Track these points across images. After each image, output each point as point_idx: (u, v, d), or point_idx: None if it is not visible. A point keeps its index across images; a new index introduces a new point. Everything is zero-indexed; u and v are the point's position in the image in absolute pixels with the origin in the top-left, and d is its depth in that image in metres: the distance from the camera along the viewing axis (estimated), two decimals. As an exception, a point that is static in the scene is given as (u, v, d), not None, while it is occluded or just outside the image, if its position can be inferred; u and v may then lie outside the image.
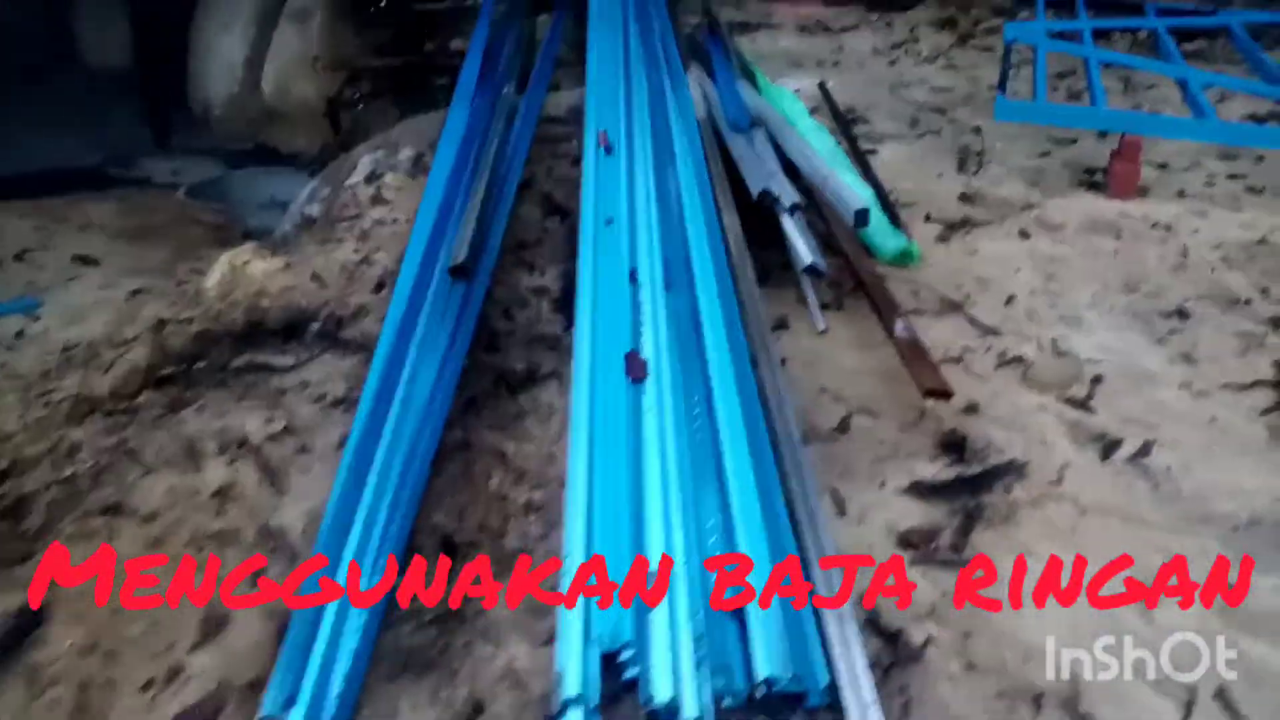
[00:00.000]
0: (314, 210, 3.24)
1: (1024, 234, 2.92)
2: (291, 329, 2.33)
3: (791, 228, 2.42)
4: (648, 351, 1.97)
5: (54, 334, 3.70)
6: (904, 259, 2.71)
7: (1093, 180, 3.28)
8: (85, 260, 4.49)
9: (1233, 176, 3.40)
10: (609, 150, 2.88)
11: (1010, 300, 2.53)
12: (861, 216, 2.41)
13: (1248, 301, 2.52)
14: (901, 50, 5.24)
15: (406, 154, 3.32)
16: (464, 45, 4.41)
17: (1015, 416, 2.04)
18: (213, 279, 2.62)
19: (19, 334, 3.69)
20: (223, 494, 1.66)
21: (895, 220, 2.89)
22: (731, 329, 2.08)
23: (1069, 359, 2.26)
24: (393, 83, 5.18)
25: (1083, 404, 2.09)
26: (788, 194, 2.57)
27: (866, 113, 4.08)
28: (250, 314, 2.39)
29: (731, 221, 2.56)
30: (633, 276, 2.24)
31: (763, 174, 2.68)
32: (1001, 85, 3.54)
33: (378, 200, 2.99)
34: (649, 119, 3.13)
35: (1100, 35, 4.81)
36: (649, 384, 1.86)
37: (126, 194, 5.40)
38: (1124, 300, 2.54)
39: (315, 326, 2.33)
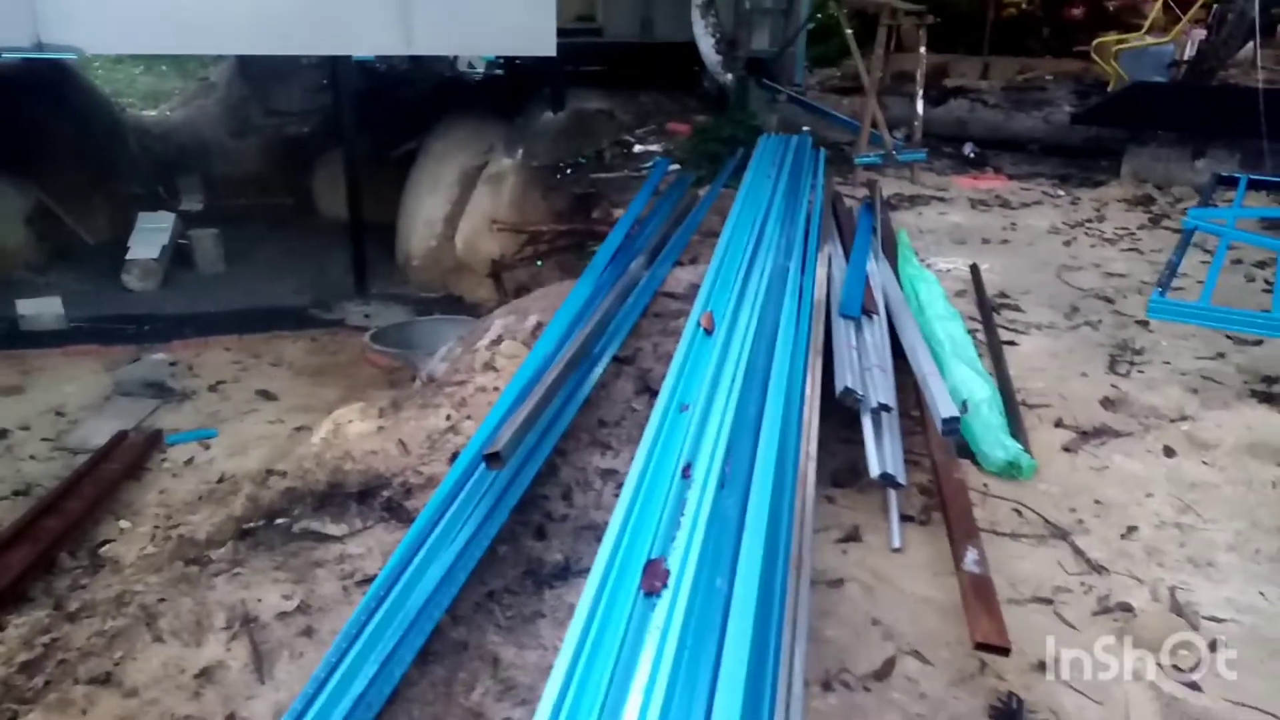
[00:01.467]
0: (440, 370, 3.39)
1: (1169, 451, 2.58)
2: (365, 494, 2.40)
3: (869, 430, 2.25)
4: (676, 559, 1.86)
5: (217, 463, 4.07)
6: (1012, 471, 2.45)
7: (1269, 392, 2.88)
8: (266, 395, 4.95)
9: None
10: (709, 331, 2.85)
11: (1130, 532, 2.21)
12: (950, 424, 2.21)
13: None
14: (1081, 229, 4.94)
15: (531, 321, 3.43)
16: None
17: (1098, 683, 1.74)
18: (318, 435, 2.77)
19: (189, 461, 4.09)
20: (206, 675, 1.68)
21: (1014, 426, 2.64)
22: (773, 540, 1.93)
23: (1186, 615, 1.92)
24: (560, 247, 5.46)
25: (1188, 675, 1.75)
26: (877, 393, 2.42)
27: (1021, 298, 3.83)
28: (334, 475, 2.49)
29: (811, 417, 2.43)
30: (686, 471, 2.15)
31: (854, 368, 2.54)
32: (1168, 279, 3.23)
33: (489, 367, 3.09)
34: (762, 300, 3.09)
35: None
36: (663, 599, 1.74)
37: (319, 334, 5.94)
38: (1275, 545, 2.15)
39: (386, 494, 2.39)
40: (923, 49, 6.11)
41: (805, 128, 6.45)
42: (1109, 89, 6.76)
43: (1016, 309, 3.70)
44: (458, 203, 6.81)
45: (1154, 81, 6.36)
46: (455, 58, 9.09)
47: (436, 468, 2.50)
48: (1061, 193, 5.76)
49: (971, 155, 6.62)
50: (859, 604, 1.97)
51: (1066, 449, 2.61)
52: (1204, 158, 5.51)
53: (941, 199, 5.59)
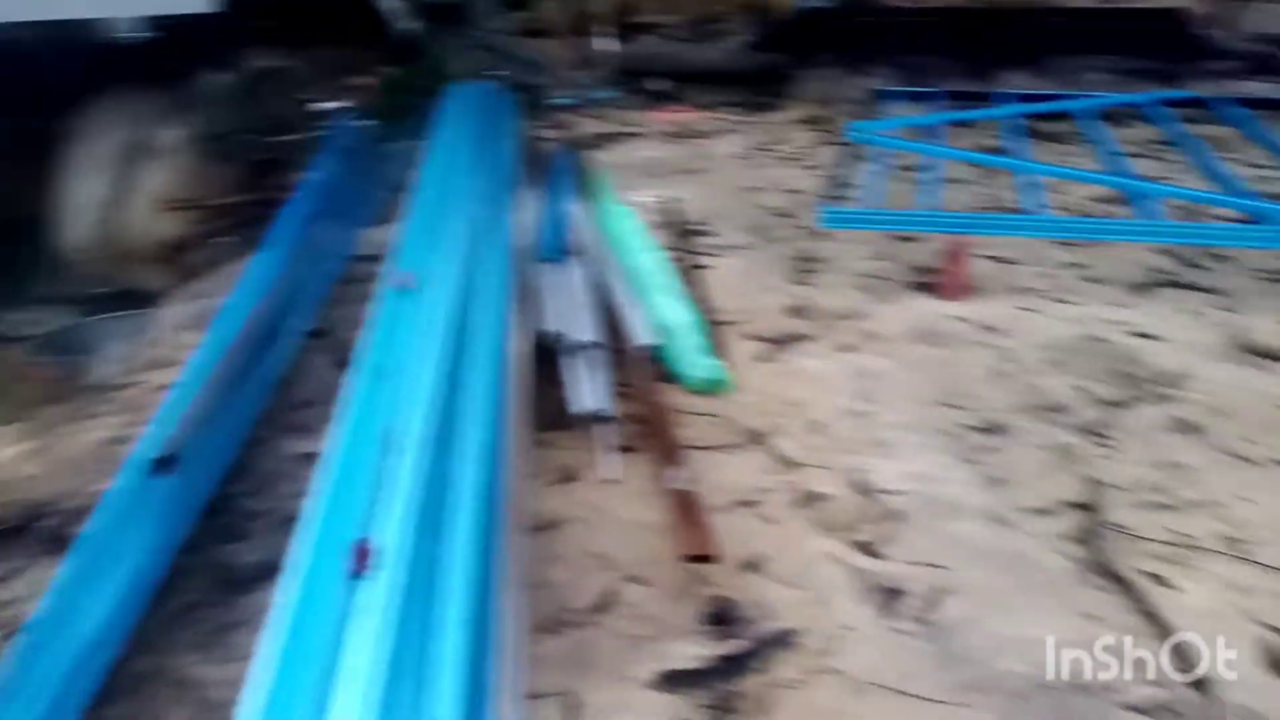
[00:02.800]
0: (110, 373, 3.03)
1: (847, 348, 2.80)
2: (21, 528, 2.09)
3: (568, 370, 2.26)
4: (388, 535, 1.77)
5: None
6: (713, 387, 2.56)
7: (926, 283, 3.20)
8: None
9: (1072, 265, 3.35)
10: (406, 290, 2.73)
11: (818, 426, 2.38)
12: (649, 351, 2.26)
13: (1064, 408, 2.40)
14: (766, 153, 5.24)
15: (210, 305, 3.14)
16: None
17: (799, 571, 1.87)
18: (-36, 468, 2.38)
19: None
20: None
21: (712, 344, 2.75)
22: (487, 497, 1.89)
23: (869, 493, 2.10)
24: (242, 220, 5.02)
25: (875, 549, 1.92)
26: (579, 332, 2.43)
27: (715, 223, 4.00)
28: (-16, 511, 2.15)
29: (523, 366, 2.40)
30: (386, 440, 2.06)
31: (558, 311, 2.54)
32: (836, 190, 3.48)
33: (166, 362, 2.80)
34: (462, 252, 3.00)
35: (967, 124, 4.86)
36: (373, 579, 1.66)
37: (-32, 351, 5.15)
38: (939, 417, 2.40)
39: (48, 524, 2.10)
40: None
41: (499, 73, 6.33)
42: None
43: (710, 234, 3.86)
44: (120, 183, 6.09)
45: (820, 7, 6.85)
46: (104, 22, 8.05)
47: (108, 484, 2.22)
48: (747, 119, 6.06)
49: (663, 89, 6.80)
50: (579, 541, 1.98)
51: (759, 359, 2.76)
52: (865, 75, 5.99)
53: (637, 135, 5.71)
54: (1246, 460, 2.15)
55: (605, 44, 6.28)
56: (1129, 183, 3.41)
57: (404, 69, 6.12)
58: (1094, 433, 2.29)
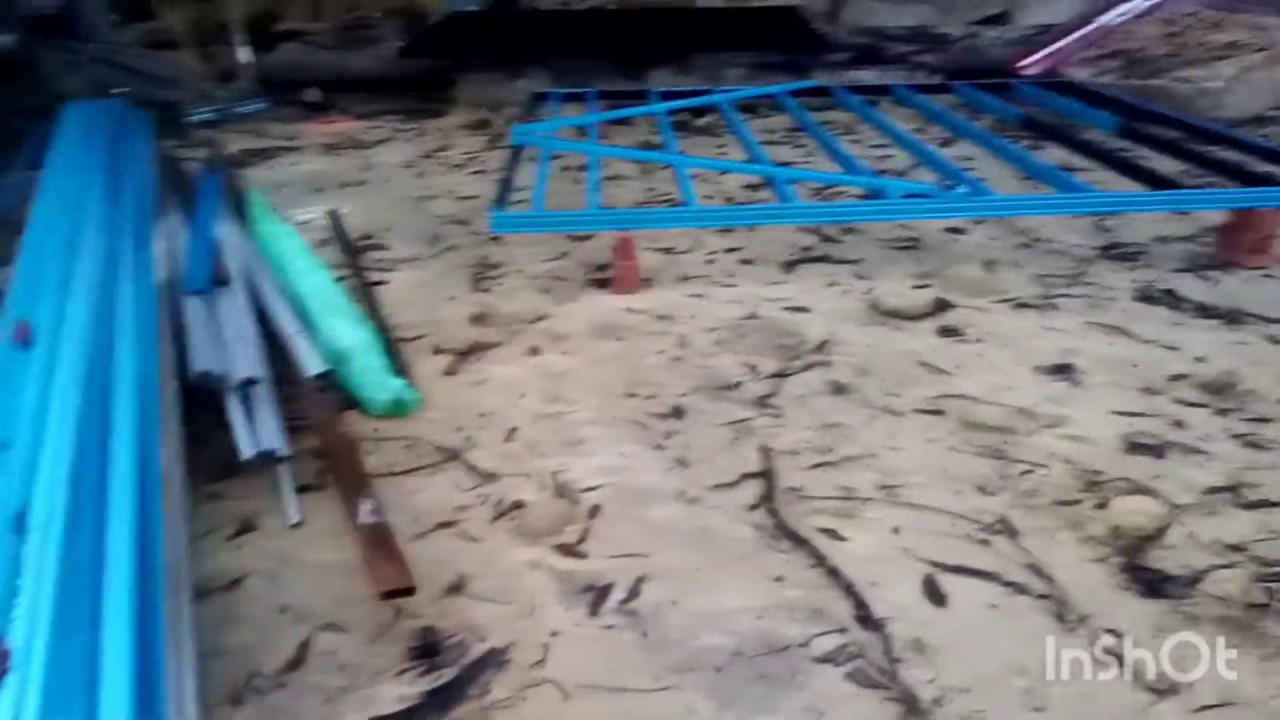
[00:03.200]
0: None
1: (534, 351, 2.81)
2: None
3: (233, 412, 2.06)
4: (20, 633, 1.51)
5: None
6: (401, 408, 2.45)
7: (601, 279, 3.29)
8: None
9: (730, 250, 3.59)
10: (26, 344, 2.37)
11: (512, 434, 2.37)
12: (320, 380, 2.12)
13: (737, 385, 2.57)
14: (433, 160, 5.14)
15: None
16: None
17: (504, 585, 1.83)
18: None
19: None
20: None
21: (394, 363, 2.64)
22: (143, 568, 1.67)
23: (567, 494, 2.12)
24: None
25: (576, 549, 1.93)
26: (241, 369, 2.22)
27: (387, 236, 3.86)
28: None
29: (173, 418, 2.15)
30: (19, 523, 1.76)
31: (211, 347, 2.31)
32: (503, 194, 3.47)
33: None
34: (95, 293, 2.64)
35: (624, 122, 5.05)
36: (4, 686, 1.40)
37: None
38: (626, 408, 2.47)
39: None
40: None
41: (125, 90, 5.68)
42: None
43: (382, 247, 3.72)
44: None
45: (468, 10, 6.82)
46: None
47: None
48: (410, 126, 5.92)
49: (316, 100, 6.47)
50: (264, 596, 1.82)
51: (448, 372, 2.70)
52: (523, 78, 6.06)
53: (293, 149, 5.39)
54: (892, 413, 2.41)
55: (245, 54, 5.85)
56: (769, 169, 3.72)
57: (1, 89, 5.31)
58: (764, 404, 2.46)
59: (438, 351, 2.81)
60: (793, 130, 5.33)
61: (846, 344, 2.79)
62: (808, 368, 2.66)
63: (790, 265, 3.43)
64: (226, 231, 3.26)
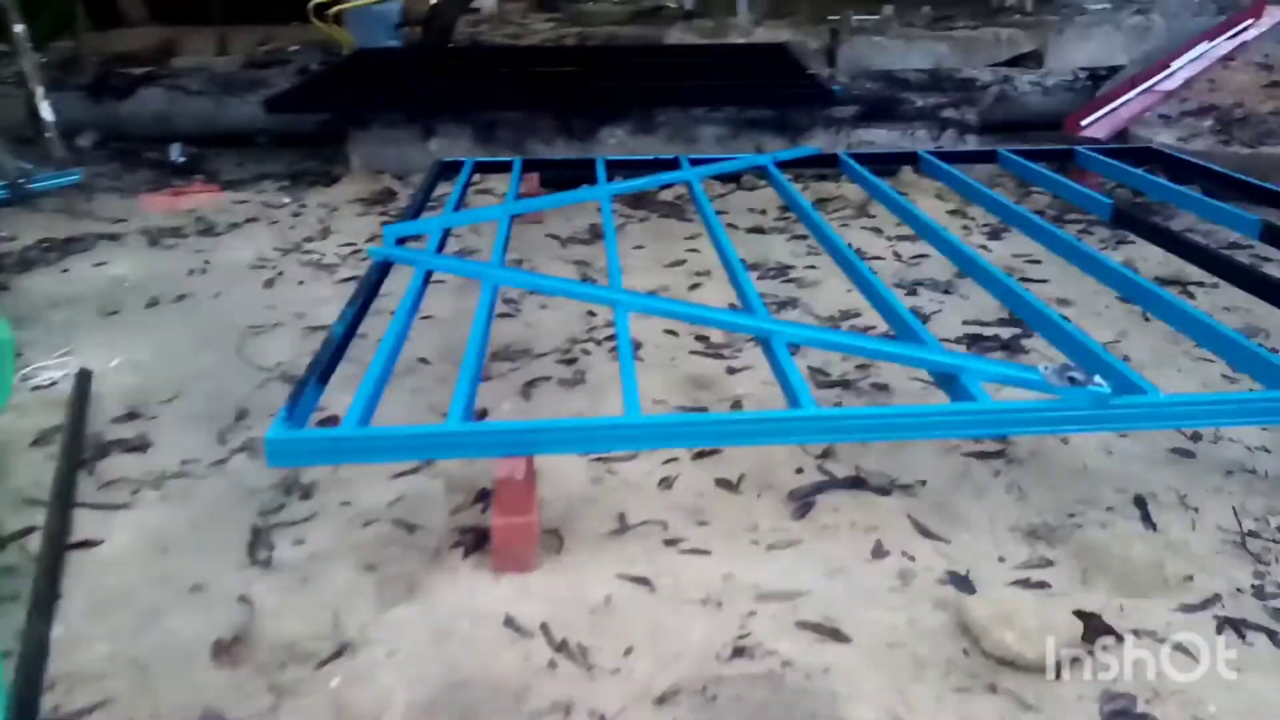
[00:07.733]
0: None
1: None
2: None
3: None
4: None
5: None
6: None
7: (479, 527, 1.89)
8: None
9: (699, 457, 2.21)
10: None
11: None
12: None
13: None
14: (296, 255, 3.74)
15: None
16: None
17: None
18: None
19: None
20: None
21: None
22: None
23: None
24: None
25: None
26: None
27: (158, 417, 2.44)
28: None
29: None
30: None
31: None
32: (297, 395, 2.08)
33: None
34: None
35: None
36: None
37: None
38: None
39: None
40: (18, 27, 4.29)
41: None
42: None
43: (141, 446, 2.29)
44: None
45: (377, 48, 5.42)
46: None
47: None
48: (287, 200, 4.50)
49: (181, 160, 5.07)
50: None
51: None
52: (436, 136, 4.68)
53: (114, 237, 3.96)
54: None
55: (40, 106, 4.43)
56: (760, 324, 2.34)
57: None
58: None
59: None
60: (786, 211, 3.99)
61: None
62: None
63: (799, 499, 2.04)
64: None
